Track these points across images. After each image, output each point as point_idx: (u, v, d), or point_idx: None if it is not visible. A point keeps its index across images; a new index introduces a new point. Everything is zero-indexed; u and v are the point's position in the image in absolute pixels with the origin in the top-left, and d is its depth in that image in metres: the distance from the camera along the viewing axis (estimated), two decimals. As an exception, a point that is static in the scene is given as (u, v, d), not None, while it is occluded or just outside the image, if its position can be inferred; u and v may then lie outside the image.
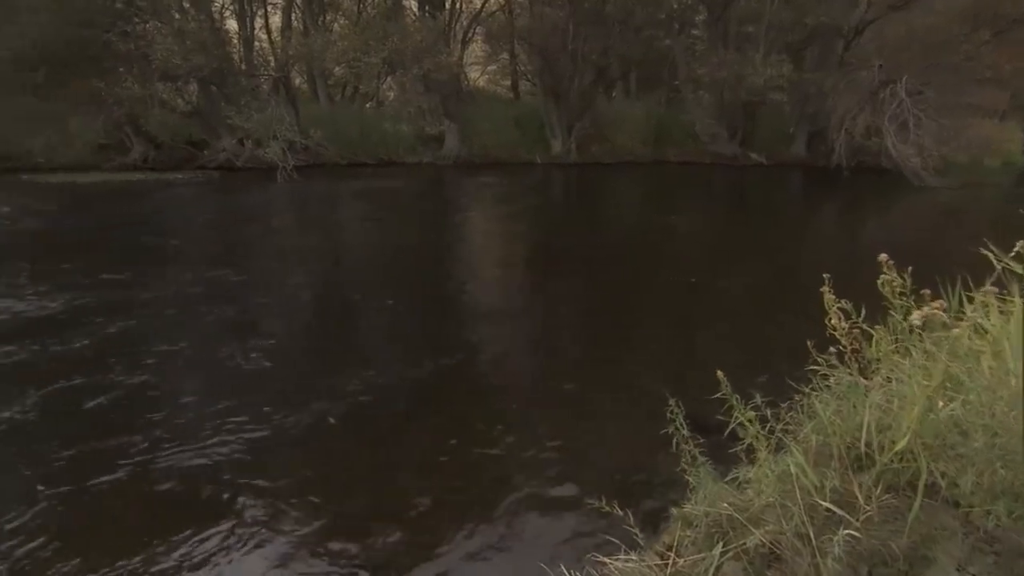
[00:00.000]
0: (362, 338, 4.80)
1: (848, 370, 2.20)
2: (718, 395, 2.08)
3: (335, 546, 2.46)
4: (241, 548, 2.47)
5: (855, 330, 2.20)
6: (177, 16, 16.14)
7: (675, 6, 16.29)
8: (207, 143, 15.99)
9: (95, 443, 3.17)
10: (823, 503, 1.71)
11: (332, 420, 3.38)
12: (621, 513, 2.05)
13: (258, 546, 2.49)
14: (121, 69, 15.43)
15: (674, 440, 2.24)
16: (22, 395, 3.70)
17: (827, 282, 2.15)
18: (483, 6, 20.52)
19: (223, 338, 4.48)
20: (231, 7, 19.85)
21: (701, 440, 2.21)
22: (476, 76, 23.87)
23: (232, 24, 19.43)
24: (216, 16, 17.63)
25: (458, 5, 20.41)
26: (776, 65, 14.58)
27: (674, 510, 2.27)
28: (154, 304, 5.35)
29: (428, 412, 3.57)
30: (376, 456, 3.11)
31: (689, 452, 2.27)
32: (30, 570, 2.39)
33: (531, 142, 17.30)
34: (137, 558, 2.43)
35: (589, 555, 2.36)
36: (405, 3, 19.09)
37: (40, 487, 2.84)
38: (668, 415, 2.20)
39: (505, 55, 21.81)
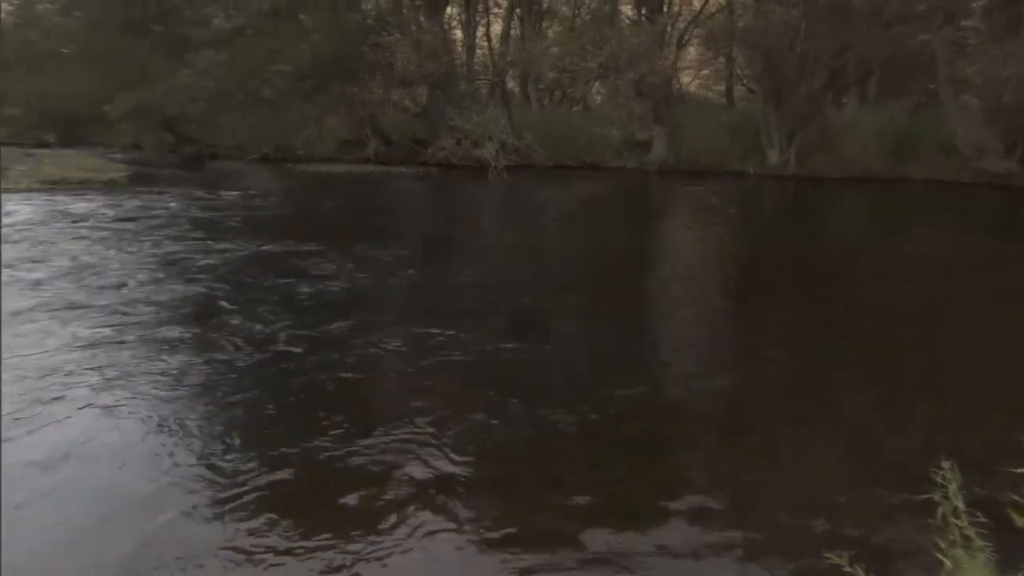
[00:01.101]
0: (554, 345, 4.82)
1: None
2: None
3: (510, 561, 2.42)
4: (415, 542, 2.46)
5: None
6: (414, 28, 18.12)
7: (942, -6, 13.80)
8: (429, 141, 17.68)
9: (311, 416, 3.37)
10: None
11: (516, 427, 3.42)
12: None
13: (432, 543, 2.45)
14: (368, 76, 17.80)
15: (938, 510, 1.88)
16: (246, 356, 4.16)
17: None
18: (703, 7, 19.72)
19: (433, 326, 4.79)
20: (458, 18, 21.77)
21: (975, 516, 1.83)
22: (688, 80, 23.04)
23: (458, 33, 21.30)
24: (445, 26, 19.46)
25: (676, 7, 19.89)
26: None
27: (924, 594, 1.91)
28: (377, 285, 6.02)
29: (619, 435, 3.43)
30: (563, 475, 3.04)
31: (961, 530, 1.90)
32: (191, 525, 2.51)
33: (744, 151, 16.17)
34: (317, 536, 2.45)
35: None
36: (620, 7, 19.11)
37: (244, 445, 3.09)
38: (939, 479, 1.85)
39: (721, 58, 20.70)
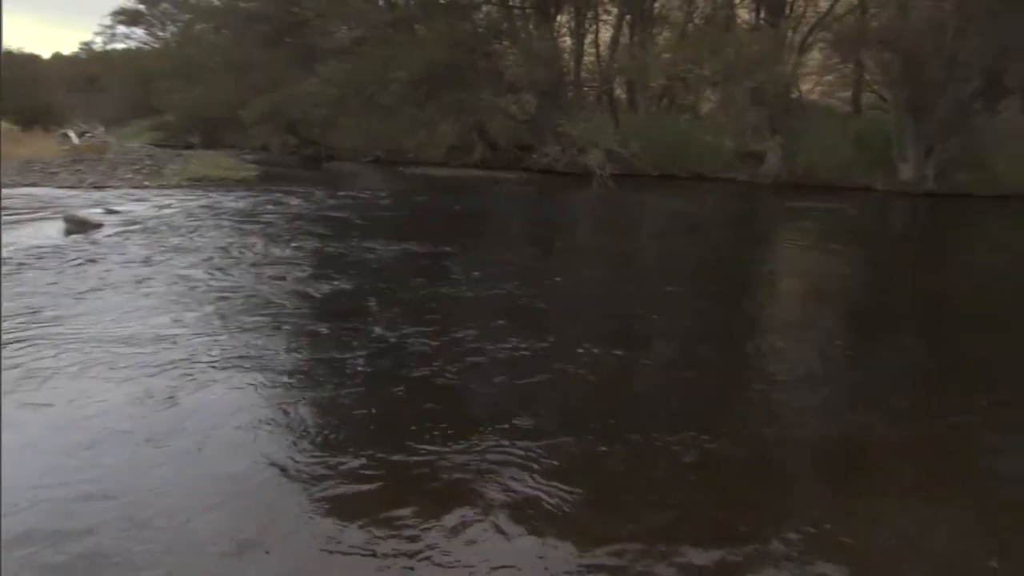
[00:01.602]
0: (659, 362, 4.55)
1: None
2: None
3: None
4: (502, 552, 2.37)
5: None
6: (524, 36, 18.36)
7: None
8: (534, 148, 17.82)
9: (415, 417, 3.39)
10: None
11: (618, 444, 3.22)
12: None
13: (521, 555, 2.35)
14: (478, 84, 18.25)
15: None
16: (361, 351, 4.27)
17: None
18: (831, 8, 18.40)
19: (540, 335, 4.71)
20: (567, 25, 21.78)
21: None
22: (809, 87, 21.57)
23: (566, 41, 21.32)
24: (555, 34, 19.56)
25: (800, 9, 18.72)
26: None
27: None
28: (487, 289, 6.05)
29: (724, 462, 3.11)
30: (664, 497, 2.78)
31: None
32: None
33: (871, 164, 14.85)
34: (402, 534, 2.41)
35: None
36: (736, 11, 18.29)
37: (344, 440, 3.14)
38: None
39: (850, 63, 19.17)
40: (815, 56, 20.04)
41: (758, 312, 6.24)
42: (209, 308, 5.11)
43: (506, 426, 3.33)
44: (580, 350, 4.45)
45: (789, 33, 17.30)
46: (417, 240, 8.10)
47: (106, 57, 36.93)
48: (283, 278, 6.10)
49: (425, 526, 2.49)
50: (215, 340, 4.37)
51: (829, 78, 21.76)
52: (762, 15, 17.33)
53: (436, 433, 3.23)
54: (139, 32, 34.31)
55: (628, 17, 21.06)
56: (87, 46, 40.82)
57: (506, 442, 3.17)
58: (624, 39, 21.23)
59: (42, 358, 3.94)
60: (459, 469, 2.93)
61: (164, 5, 31.58)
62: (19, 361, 3.89)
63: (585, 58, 21.15)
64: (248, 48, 22.66)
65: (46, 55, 43.07)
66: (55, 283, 5.66)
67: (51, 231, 8.34)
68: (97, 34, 37.22)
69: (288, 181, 15.19)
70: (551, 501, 2.69)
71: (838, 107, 21.43)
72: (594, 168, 14.48)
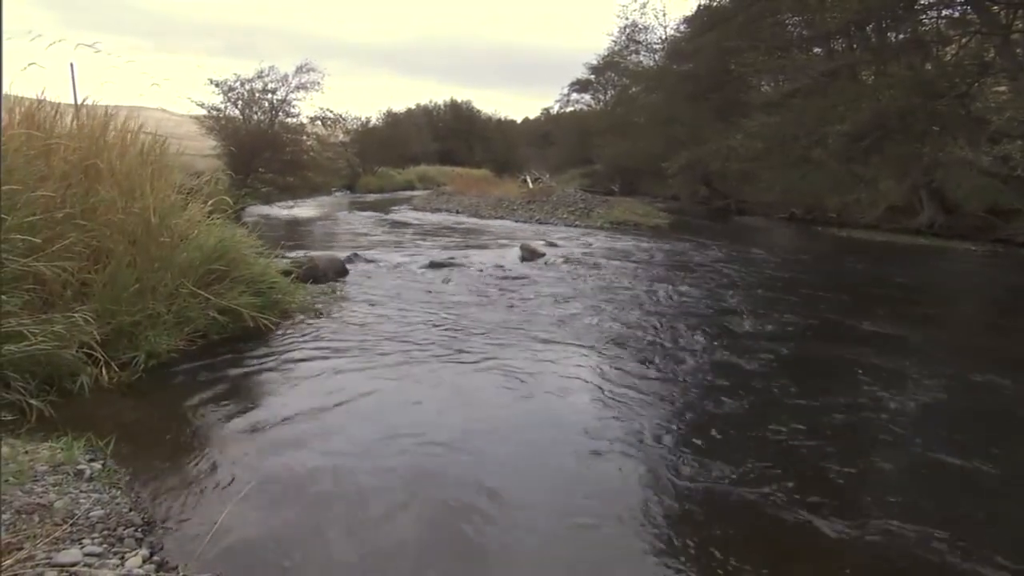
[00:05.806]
0: None
1: None
2: None
3: None
4: None
5: None
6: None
7: None
8: (1019, 213, 13.69)
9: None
10: None
11: None
12: None
13: None
14: (941, 134, 15.03)
15: None
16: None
17: None
18: None
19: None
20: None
21: None
22: None
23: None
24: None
25: None
26: None
27: None
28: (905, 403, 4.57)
29: None
30: None
31: None
32: None
33: None
34: None
35: None
36: None
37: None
38: None
39: None
40: None
41: None
42: (613, 345, 5.40)
43: None
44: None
45: None
46: (839, 312, 6.87)
47: (557, 118, 45.12)
48: (680, 325, 6.01)
49: None
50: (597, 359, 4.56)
51: None
52: None
53: None
54: (586, 97, 40.67)
55: None
56: (546, 111, 50.81)
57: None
58: None
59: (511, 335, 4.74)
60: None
61: (609, 73, 36.47)
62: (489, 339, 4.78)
63: None
64: (674, 105, 24.12)
65: (518, 119, 55.61)
66: (514, 293, 7.19)
67: (512, 256, 10.44)
68: (556, 101, 45.90)
69: (698, 232, 15.39)
70: None
71: None
72: None
